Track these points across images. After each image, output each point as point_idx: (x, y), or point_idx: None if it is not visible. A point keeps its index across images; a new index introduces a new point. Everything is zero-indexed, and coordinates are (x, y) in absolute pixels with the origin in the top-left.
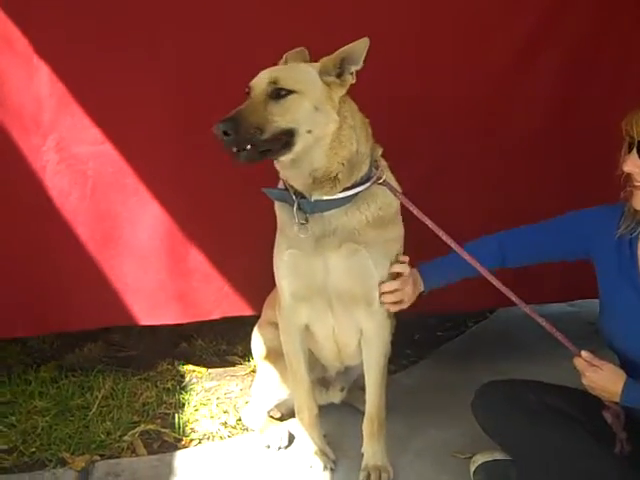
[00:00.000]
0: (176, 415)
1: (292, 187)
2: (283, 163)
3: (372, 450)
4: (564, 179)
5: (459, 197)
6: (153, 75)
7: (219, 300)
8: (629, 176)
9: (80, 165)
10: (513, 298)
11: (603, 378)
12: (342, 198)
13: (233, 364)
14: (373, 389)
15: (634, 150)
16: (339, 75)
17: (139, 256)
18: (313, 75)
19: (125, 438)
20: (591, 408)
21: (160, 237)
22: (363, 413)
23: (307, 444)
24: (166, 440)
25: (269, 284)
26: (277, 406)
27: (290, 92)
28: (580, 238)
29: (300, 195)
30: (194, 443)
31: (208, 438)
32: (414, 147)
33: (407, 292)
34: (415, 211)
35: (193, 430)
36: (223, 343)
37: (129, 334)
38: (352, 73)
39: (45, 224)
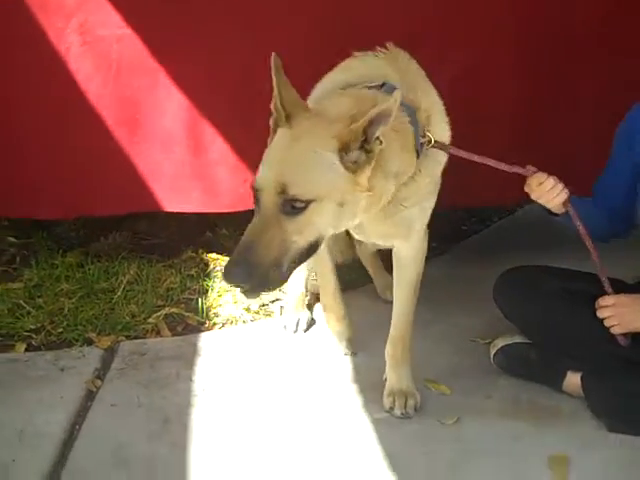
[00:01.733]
0: (199, 300)
1: None
2: None
3: (396, 375)
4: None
5: None
6: None
7: (243, 192)
8: None
9: (104, 48)
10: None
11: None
12: None
13: None
14: (402, 309)
15: None
16: (362, 145)
17: (163, 143)
18: (332, 167)
19: (150, 320)
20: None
21: (184, 125)
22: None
23: (329, 324)
24: (190, 323)
25: None
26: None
27: (308, 203)
28: (628, 156)
29: None
30: (217, 327)
31: (231, 322)
32: None
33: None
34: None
35: (216, 314)
36: None
37: (154, 223)
38: (378, 137)
39: (68, 107)
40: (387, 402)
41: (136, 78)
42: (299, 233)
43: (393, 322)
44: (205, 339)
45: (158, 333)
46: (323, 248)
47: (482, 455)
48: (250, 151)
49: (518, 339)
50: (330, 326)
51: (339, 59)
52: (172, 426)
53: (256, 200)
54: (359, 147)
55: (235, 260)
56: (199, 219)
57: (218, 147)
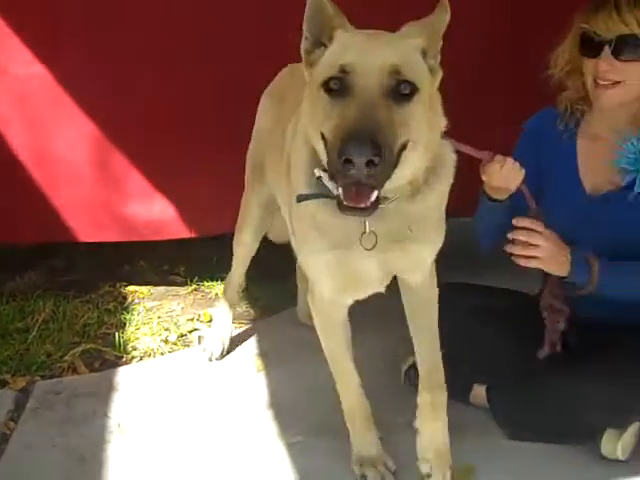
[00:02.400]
0: (117, 334)
1: None
2: None
3: (431, 429)
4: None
5: None
6: None
7: (161, 222)
8: (573, 76)
9: (15, 84)
10: None
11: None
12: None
13: (175, 284)
14: (431, 354)
15: (606, 49)
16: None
17: (79, 176)
18: (422, 61)
19: (66, 358)
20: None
21: (99, 157)
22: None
23: (360, 451)
24: (107, 358)
25: (212, 207)
26: None
27: (414, 90)
28: (534, 154)
29: None
30: (135, 360)
31: (149, 355)
32: None
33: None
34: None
35: (134, 348)
36: (165, 264)
37: (70, 259)
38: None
39: None
40: (423, 469)
41: (47, 111)
42: (404, 125)
43: (424, 370)
44: (122, 374)
45: (75, 370)
46: (349, 363)
47: (404, 467)
48: (168, 181)
49: None
50: (361, 449)
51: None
52: (88, 464)
53: (343, 86)
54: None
55: (360, 134)
56: (116, 252)
57: (134, 178)
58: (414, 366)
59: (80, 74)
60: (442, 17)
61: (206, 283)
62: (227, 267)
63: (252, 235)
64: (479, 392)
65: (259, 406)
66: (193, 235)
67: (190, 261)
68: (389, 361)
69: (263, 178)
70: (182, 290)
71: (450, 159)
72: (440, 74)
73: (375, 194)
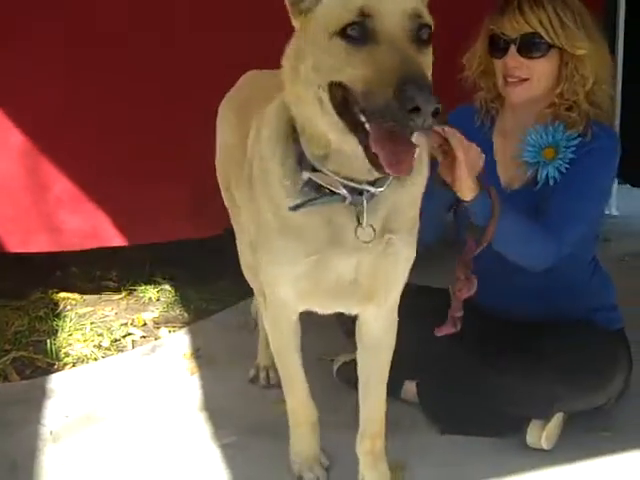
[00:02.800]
0: (49, 341)
1: (343, 180)
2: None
3: (377, 473)
4: None
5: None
6: None
7: (90, 230)
8: (485, 77)
9: None
10: None
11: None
12: None
13: (108, 289)
14: (376, 402)
15: (512, 48)
16: None
17: (4, 184)
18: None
19: None
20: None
21: (25, 166)
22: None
23: (300, 452)
24: (39, 366)
25: (141, 214)
26: None
27: (431, 36)
28: None
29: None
30: (68, 367)
31: (82, 361)
32: None
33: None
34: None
35: (66, 354)
36: (97, 269)
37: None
38: None
39: None
40: None
41: None
42: (428, 67)
43: (365, 416)
44: (54, 380)
45: (6, 378)
46: (296, 362)
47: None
48: (97, 189)
49: None
50: (297, 447)
51: None
52: (20, 472)
53: (363, 31)
54: None
55: (422, 83)
56: (48, 259)
57: (62, 187)
58: (346, 364)
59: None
60: None
61: (139, 288)
62: (161, 271)
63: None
64: (410, 388)
65: (193, 408)
66: (125, 244)
67: (123, 266)
68: (319, 360)
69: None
70: (115, 295)
71: (425, 152)
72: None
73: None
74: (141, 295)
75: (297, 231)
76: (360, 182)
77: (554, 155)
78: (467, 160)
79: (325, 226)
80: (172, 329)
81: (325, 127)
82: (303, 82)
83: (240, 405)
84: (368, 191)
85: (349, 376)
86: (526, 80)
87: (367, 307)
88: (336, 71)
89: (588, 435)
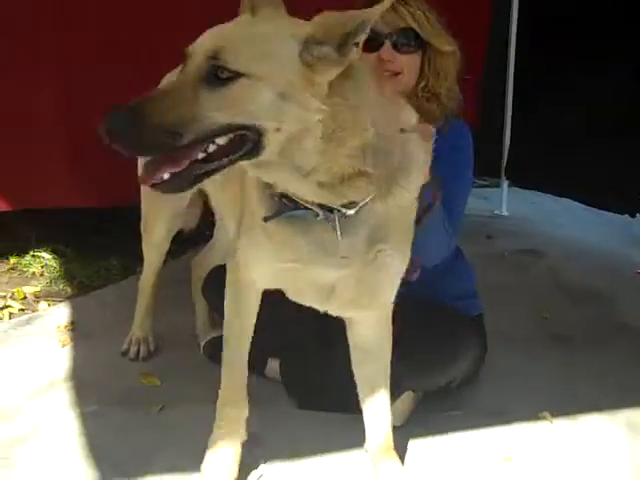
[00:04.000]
0: None
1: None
2: (266, 171)
3: (390, 466)
4: None
5: None
6: None
7: None
8: None
9: None
10: None
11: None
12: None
13: None
14: (383, 413)
15: (387, 43)
16: (340, 47)
17: None
18: (281, 51)
19: None
20: None
21: None
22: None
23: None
24: None
25: (26, 180)
26: None
27: (237, 75)
28: None
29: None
30: None
31: None
32: None
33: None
34: None
35: None
36: None
37: None
38: (357, 44)
39: None
40: None
41: None
42: (217, 109)
43: (372, 426)
44: None
45: None
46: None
47: (184, 436)
48: None
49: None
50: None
51: None
52: None
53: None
54: (335, 47)
55: (120, 106)
56: None
57: None
58: (212, 341)
59: None
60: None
61: (23, 261)
62: (47, 246)
63: (165, 237)
64: (273, 365)
65: (57, 378)
66: (9, 209)
67: (9, 238)
68: (191, 336)
69: None
70: None
71: (419, 157)
72: (346, 60)
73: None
74: (24, 269)
75: (278, 234)
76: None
77: None
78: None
79: (303, 237)
80: (52, 303)
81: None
82: None
83: (106, 376)
84: (339, 210)
85: (215, 352)
86: (398, 74)
87: (350, 313)
88: None
89: (438, 414)
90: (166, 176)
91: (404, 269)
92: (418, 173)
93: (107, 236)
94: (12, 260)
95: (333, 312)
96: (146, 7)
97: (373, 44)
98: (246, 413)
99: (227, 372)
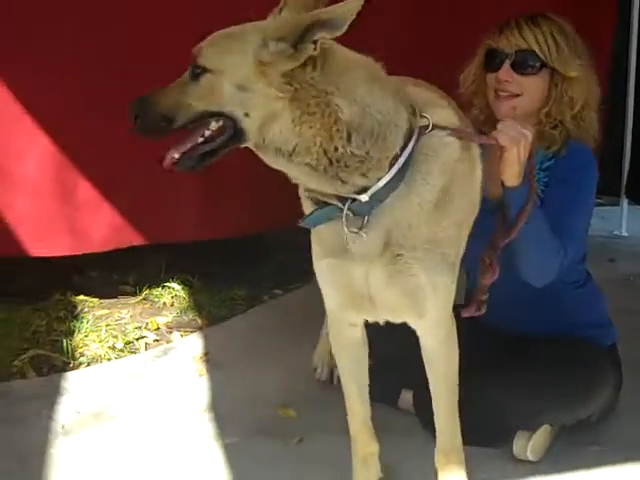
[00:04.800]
0: (65, 341)
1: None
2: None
3: None
4: None
5: None
6: None
7: (110, 232)
8: (478, 95)
9: None
10: None
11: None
12: (386, 183)
13: (125, 293)
14: (447, 415)
15: (507, 63)
16: (296, 44)
17: (28, 188)
18: (237, 48)
19: (15, 363)
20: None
21: (48, 168)
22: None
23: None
24: (55, 364)
25: (159, 214)
26: None
27: (205, 71)
28: None
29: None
30: (83, 366)
31: (97, 361)
32: None
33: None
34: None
35: (82, 354)
36: (115, 273)
37: (22, 267)
38: (316, 41)
39: None
40: None
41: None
42: (198, 98)
43: (439, 429)
44: (69, 378)
45: (23, 375)
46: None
47: (324, 467)
48: (115, 190)
49: None
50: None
51: None
52: (28, 464)
53: None
54: (292, 43)
55: (138, 96)
56: (67, 261)
57: (83, 189)
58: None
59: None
60: (332, 11)
61: (154, 292)
62: (176, 277)
63: None
64: (407, 397)
65: (198, 409)
66: (143, 243)
67: (140, 271)
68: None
69: None
70: (131, 299)
71: (444, 151)
72: (301, 56)
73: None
74: (156, 300)
75: (319, 236)
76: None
77: None
78: (511, 140)
79: (336, 234)
80: (184, 333)
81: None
82: None
83: (243, 407)
84: (354, 199)
85: None
86: (517, 96)
87: (403, 320)
88: None
89: (576, 448)
90: (177, 155)
91: (443, 285)
92: (443, 168)
93: (231, 265)
94: (144, 291)
95: (385, 318)
96: None
97: (494, 63)
98: (376, 448)
99: (351, 418)
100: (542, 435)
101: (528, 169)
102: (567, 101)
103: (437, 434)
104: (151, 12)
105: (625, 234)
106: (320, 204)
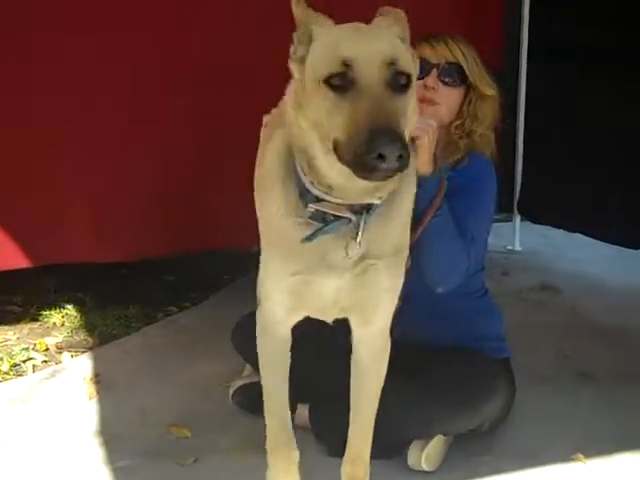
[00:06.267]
0: None
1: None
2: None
3: None
4: None
5: None
6: None
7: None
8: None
9: None
10: None
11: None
12: None
13: (12, 313)
14: (363, 427)
15: (434, 72)
16: None
17: None
18: (405, 48)
19: None
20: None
21: None
22: None
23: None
24: None
25: (46, 237)
26: None
27: (409, 80)
28: None
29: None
30: None
31: None
32: None
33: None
34: None
35: None
36: (2, 294)
37: None
38: None
39: None
40: None
41: None
42: (404, 115)
43: (351, 439)
44: None
45: None
46: (280, 385)
47: None
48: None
49: (255, 378)
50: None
51: None
52: None
53: (345, 81)
54: None
55: (386, 129)
56: None
57: None
58: (241, 389)
59: None
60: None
61: (44, 312)
62: (67, 297)
63: None
64: (302, 412)
65: (88, 433)
66: (29, 265)
67: (29, 291)
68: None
69: None
70: (19, 320)
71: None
72: (417, 62)
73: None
74: (45, 320)
75: (289, 247)
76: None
77: None
78: (420, 129)
79: (316, 247)
80: (74, 354)
81: (331, 172)
82: (305, 129)
83: (136, 429)
84: (366, 211)
85: (246, 400)
86: (433, 105)
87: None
88: (326, 121)
89: (469, 458)
90: None
91: (396, 289)
92: (412, 175)
93: (125, 284)
94: (32, 311)
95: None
96: None
97: (421, 72)
98: (297, 457)
99: (271, 421)
100: (436, 445)
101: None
102: (481, 118)
103: (349, 444)
104: None
105: (518, 249)
106: (324, 221)
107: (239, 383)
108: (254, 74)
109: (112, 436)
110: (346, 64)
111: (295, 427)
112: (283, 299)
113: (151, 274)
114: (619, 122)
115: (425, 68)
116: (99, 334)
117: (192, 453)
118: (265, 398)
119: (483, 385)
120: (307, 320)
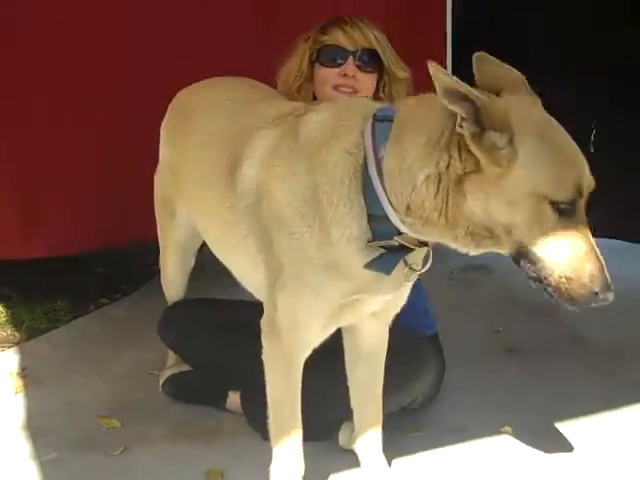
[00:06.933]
0: None
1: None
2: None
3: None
4: None
5: None
6: None
7: None
8: (303, 90)
9: None
10: None
11: None
12: None
13: None
14: (377, 413)
15: (351, 59)
16: None
17: None
18: None
19: None
20: None
21: None
22: None
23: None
24: None
25: None
26: None
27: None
28: None
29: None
30: None
31: None
32: None
33: None
34: None
35: None
36: None
37: None
38: None
39: None
40: None
41: None
42: None
43: (367, 433)
44: None
45: None
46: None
47: (148, 478)
48: None
49: (184, 368)
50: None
51: None
52: None
53: (572, 207)
54: None
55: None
56: None
57: None
58: (170, 379)
59: None
60: None
61: None
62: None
63: (176, 272)
64: (234, 398)
65: (14, 427)
66: None
67: None
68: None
69: (174, 214)
70: None
71: None
72: None
73: None
74: None
75: (342, 273)
76: None
77: None
78: None
79: (374, 273)
80: (1, 349)
81: (451, 243)
82: (457, 208)
83: (63, 422)
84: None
85: (176, 389)
86: (355, 93)
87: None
88: (532, 237)
89: (400, 435)
90: None
91: None
92: None
93: (54, 277)
94: None
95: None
96: None
97: (336, 59)
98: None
99: (282, 441)
100: None
101: None
102: (395, 99)
103: (366, 429)
104: None
105: None
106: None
107: (167, 373)
108: None
109: (39, 430)
110: (580, 192)
111: (227, 413)
112: (322, 324)
113: (81, 267)
114: None
115: (341, 55)
116: (26, 329)
117: (121, 443)
118: (278, 428)
119: (414, 362)
120: (242, 307)
